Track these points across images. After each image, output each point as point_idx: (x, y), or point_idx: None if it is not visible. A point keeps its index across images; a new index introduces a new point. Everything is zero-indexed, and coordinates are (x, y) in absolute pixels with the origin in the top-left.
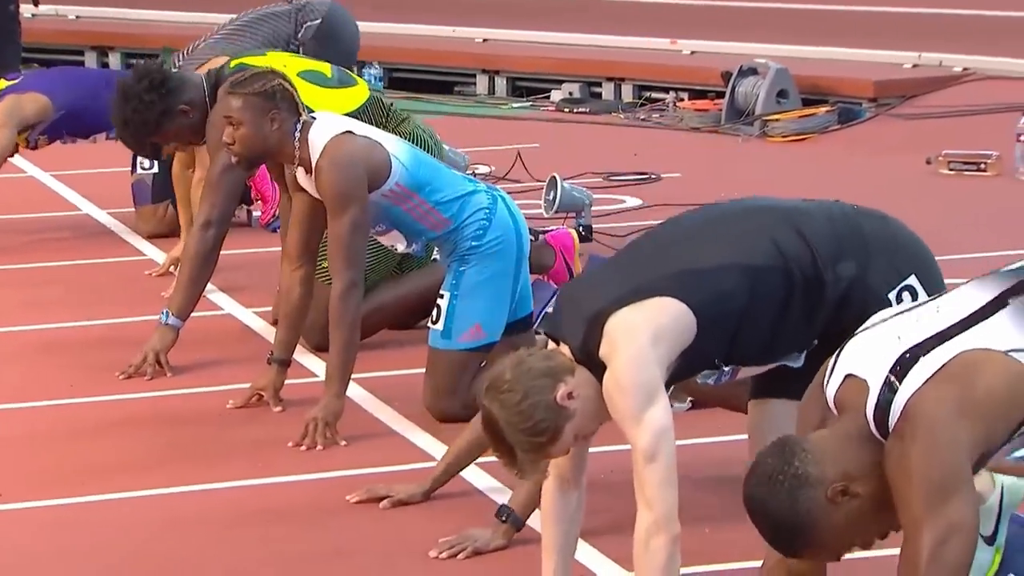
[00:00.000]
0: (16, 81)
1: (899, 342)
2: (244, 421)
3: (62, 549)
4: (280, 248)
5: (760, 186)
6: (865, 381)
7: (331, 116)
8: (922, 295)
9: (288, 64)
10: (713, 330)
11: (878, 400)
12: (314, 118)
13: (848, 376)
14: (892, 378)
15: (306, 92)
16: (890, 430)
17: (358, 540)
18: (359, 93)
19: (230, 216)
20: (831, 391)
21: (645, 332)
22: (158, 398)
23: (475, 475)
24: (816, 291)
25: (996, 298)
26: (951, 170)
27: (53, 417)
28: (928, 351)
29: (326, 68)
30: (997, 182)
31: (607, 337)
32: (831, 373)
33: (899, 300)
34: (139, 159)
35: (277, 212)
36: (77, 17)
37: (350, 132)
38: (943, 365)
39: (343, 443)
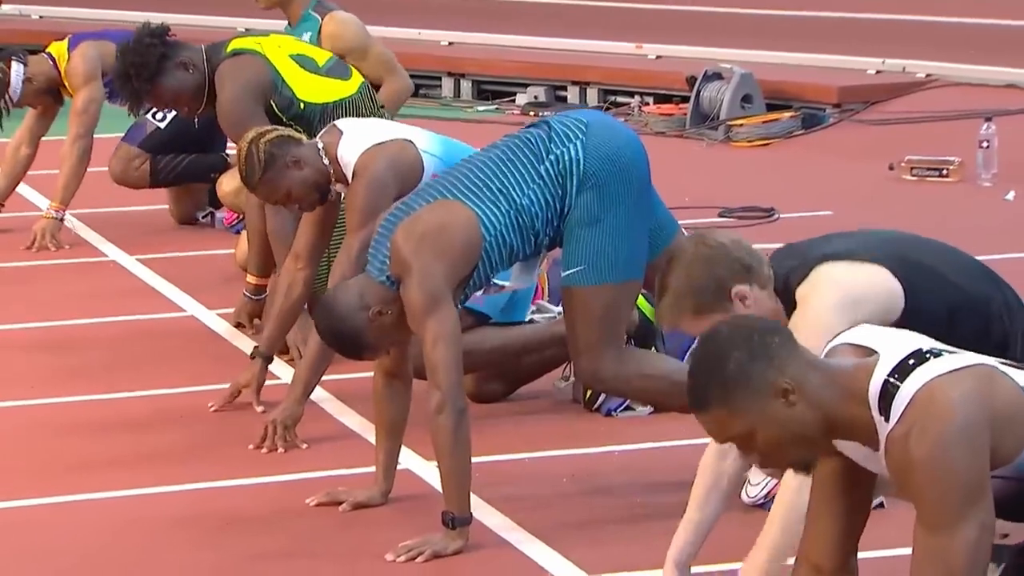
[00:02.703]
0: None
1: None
2: (204, 423)
3: (18, 551)
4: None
5: (724, 190)
6: (876, 351)
7: (355, 125)
8: None
9: (283, 45)
10: (909, 325)
11: (894, 368)
12: (341, 131)
13: (851, 345)
14: (910, 361)
15: (293, 75)
16: (898, 406)
17: (318, 543)
18: (347, 88)
19: (319, 254)
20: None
21: (849, 292)
22: (118, 400)
23: (434, 476)
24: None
25: None
26: (914, 176)
27: (13, 418)
28: (948, 353)
29: (322, 56)
30: (959, 188)
31: (811, 278)
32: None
33: None
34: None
35: (240, 216)
36: (40, 17)
37: (378, 144)
38: (965, 366)
39: (304, 446)
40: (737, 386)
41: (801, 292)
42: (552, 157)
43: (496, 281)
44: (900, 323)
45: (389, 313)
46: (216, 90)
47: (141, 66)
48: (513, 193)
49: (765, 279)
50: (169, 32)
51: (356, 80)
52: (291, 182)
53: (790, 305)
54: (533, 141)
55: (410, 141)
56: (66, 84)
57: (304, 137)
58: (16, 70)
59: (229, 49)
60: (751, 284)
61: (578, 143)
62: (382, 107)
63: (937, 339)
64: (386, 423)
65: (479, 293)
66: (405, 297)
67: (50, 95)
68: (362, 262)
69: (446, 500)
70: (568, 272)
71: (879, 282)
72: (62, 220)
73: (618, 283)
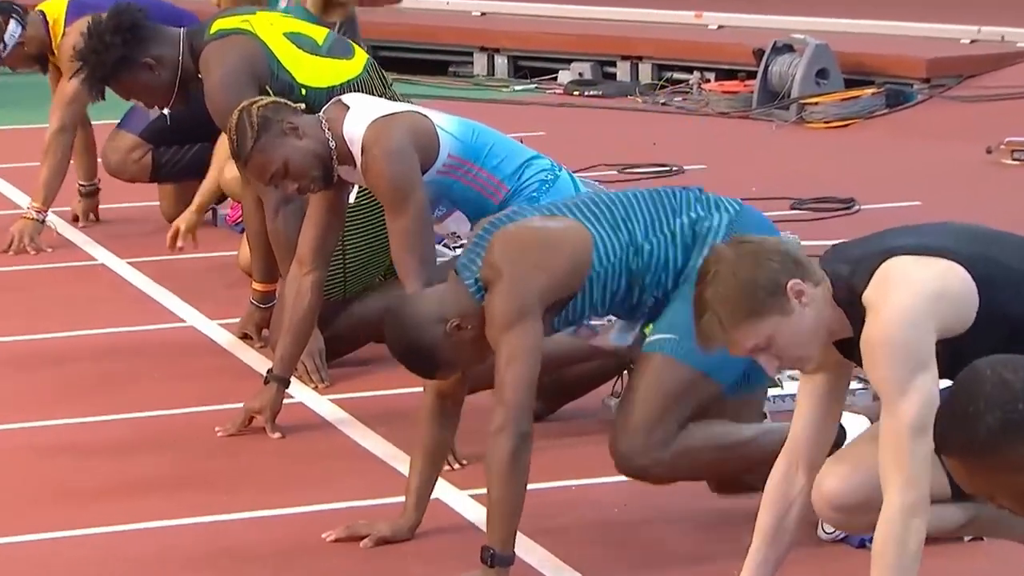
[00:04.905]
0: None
1: None
2: (207, 448)
3: None
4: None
5: (796, 178)
6: None
7: (363, 100)
8: None
9: (275, 23)
10: (984, 331)
11: None
12: (347, 106)
13: None
14: None
15: (290, 56)
16: None
17: None
18: (351, 68)
19: (327, 255)
20: None
21: (928, 286)
22: (109, 422)
23: (467, 506)
24: None
25: None
26: (1015, 160)
27: None
28: None
29: (319, 33)
30: None
31: (877, 278)
32: None
33: None
34: None
35: None
36: None
37: (388, 115)
38: None
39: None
40: (982, 452)
41: (869, 297)
42: (692, 215)
43: (590, 322)
44: (973, 328)
45: (470, 328)
46: (202, 77)
47: (98, 66)
48: (636, 230)
49: (818, 276)
50: (141, 17)
51: (360, 58)
52: (288, 151)
53: (856, 312)
54: (678, 194)
55: (423, 114)
56: (56, 52)
57: (302, 107)
58: (12, 30)
59: (213, 30)
60: (805, 280)
61: (726, 216)
62: (391, 85)
63: (1015, 348)
64: (429, 446)
65: (570, 329)
66: (489, 304)
67: (38, 62)
68: (421, 249)
69: (489, 533)
70: (654, 337)
71: (953, 279)
72: (43, 222)
73: (697, 370)
